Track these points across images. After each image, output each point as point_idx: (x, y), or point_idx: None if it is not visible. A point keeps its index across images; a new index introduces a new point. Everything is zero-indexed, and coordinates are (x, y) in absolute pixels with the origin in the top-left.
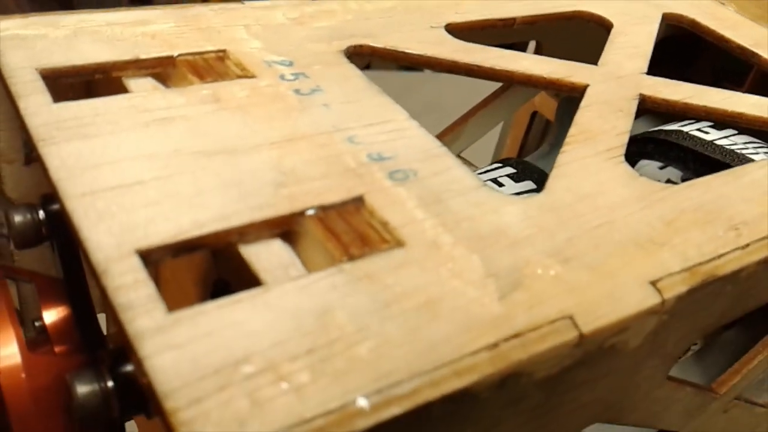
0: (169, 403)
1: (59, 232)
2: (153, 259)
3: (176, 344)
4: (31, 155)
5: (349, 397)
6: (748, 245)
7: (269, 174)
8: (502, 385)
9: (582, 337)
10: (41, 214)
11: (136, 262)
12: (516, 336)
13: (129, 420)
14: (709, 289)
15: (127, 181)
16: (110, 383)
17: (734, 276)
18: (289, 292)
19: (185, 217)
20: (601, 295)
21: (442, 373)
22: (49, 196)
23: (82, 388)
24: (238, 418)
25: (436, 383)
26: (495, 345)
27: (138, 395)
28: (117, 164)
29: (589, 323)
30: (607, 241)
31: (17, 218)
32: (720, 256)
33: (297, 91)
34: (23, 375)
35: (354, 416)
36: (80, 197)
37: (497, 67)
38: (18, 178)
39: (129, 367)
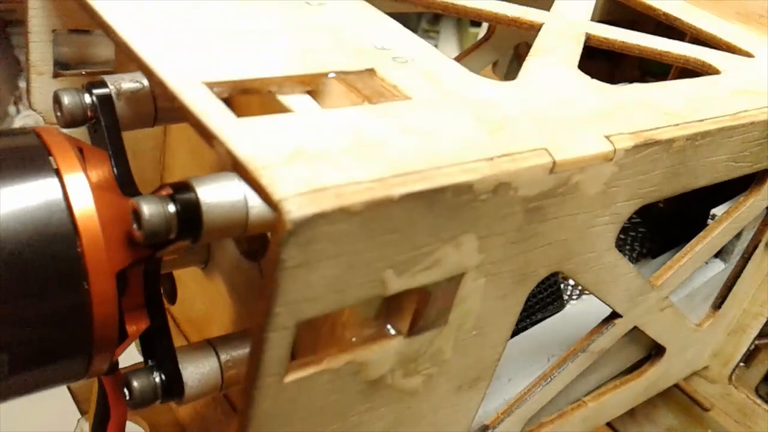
0: (252, 164)
1: (106, 112)
2: (215, 91)
3: (250, 131)
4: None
5: (385, 174)
6: (678, 124)
7: (298, 47)
8: (496, 191)
9: (555, 164)
10: (87, 97)
11: (206, 89)
12: (506, 155)
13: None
14: (648, 152)
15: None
16: (171, 207)
17: (668, 144)
18: (324, 114)
19: (241, 66)
20: (568, 141)
21: (452, 169)
22: (92, 83)
23: (149, 209)
24: (305, 179)
25: (447, 174)
26: (490, 158)
27: (192, 220)
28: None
29: (560, 155)
30: (570, 110)
31: (67, 99)
32: (657, 128)
33: (308, 3)
34: (93, 204)
35: (391, 186)
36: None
37: (468, 6)
38: (46, 90)
39: (186, 195)
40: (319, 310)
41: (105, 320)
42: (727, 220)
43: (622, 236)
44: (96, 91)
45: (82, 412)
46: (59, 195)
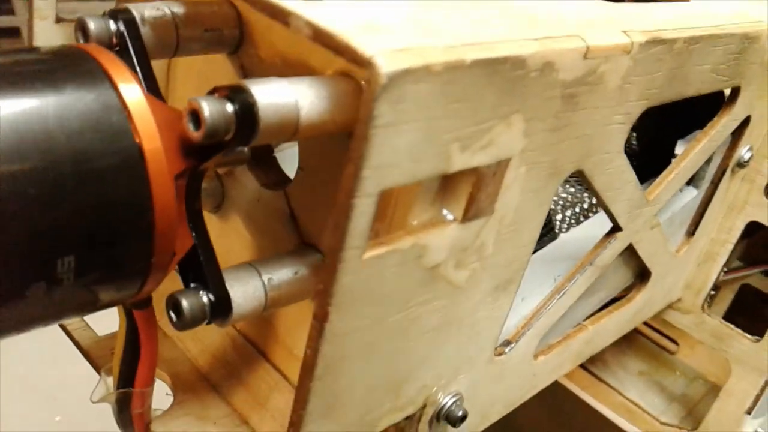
0: (336, 30)
1: (133, 36)
2: None
3: (322, 9)
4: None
5: (455, 43)
6: (677, 28)
7: None
8: (542, 70)
9: (588, 50)
10: (112, 24)
11: None
12: (549, 37)
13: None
14: (655, 51)
15: None
16: (229, 107)
17: (671, 44)
18: (379, 2)
19: None
20: (595, 34)
21: (509, 44)
22: (115, 10)
23: (210, 107)
24: (387, 42)
25: (506, 47)
26: (537, 39)
27: (249, 120)
28: None
29: (592, 41)
30: (589, 15)
31: (93, 25)
32: (662, 30)
33: None
34: (149, 108)
35: (463, 52)
36: None
37: None
38: (49, 35)
39: (243, 95)
40: (399, 179)
41: (165, 226)
42: (705, 139)
43: None
44: (122, 16)
45: (98, 370)
46: (116, 100)
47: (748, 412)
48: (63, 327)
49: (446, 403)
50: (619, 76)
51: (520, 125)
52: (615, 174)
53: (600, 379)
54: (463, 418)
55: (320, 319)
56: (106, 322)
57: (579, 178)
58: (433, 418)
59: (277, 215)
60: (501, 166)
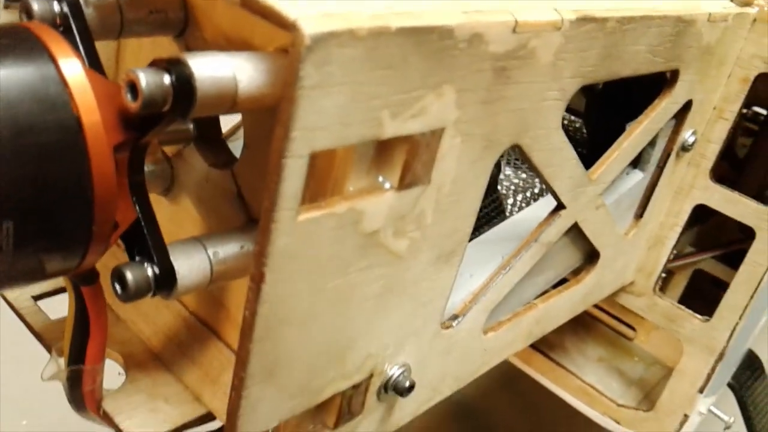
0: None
1: (76, 16)
2: None
3: None
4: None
5: (382, 11)
6: (609, 9)
7: None
8: (471, 42)
9: (517, 24)
10: (56, 5)
11: None
12: (478, 11)
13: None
14: (587, 28)
15: None
16: (166, 78)
17: (602, 23)
18: None
19: None
20: (525, 10)
21: (436, 14)
22: None
23: (147, 78)
24: (313, 7)
25: (433, 16)
26: (466, 12)
27: (187, 91)
28: None
29: (521, 17)
30: None
31: (37, 6)
32: (594, 9)
33: None
34: (88, 80)
35: (389, 19)
36: None
37: None
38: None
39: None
40: (329, 141)
41: (105, 196)
42: (646, 120)
43: None
44: None
45: (49, 351)
46: (54, 72)
47: (701, 391)
48: (15, 310)
49: (393, 373)
50: (551, 52)
51: (452, 96)
52: (554, 151)
53: (559, 365)
54: (411, 388)
55: (257, 280)
56: (60, 307)
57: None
58: (381, 388)
59: (225, 194)
60: (435, 135)
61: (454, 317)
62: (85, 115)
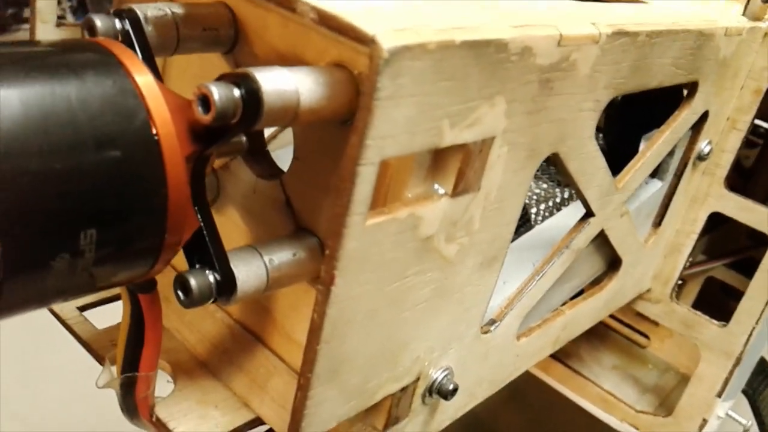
0: (340, 13)
1: (138, 34)
2: None
3: None
4: (61, 19)
5: (445, 27)
6: (639, 23)
7: None
8: (522, 54)
9: (562, 37)
10: (118, 22)
11: None
12: (527, 25)
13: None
14: (621, 42)
15: None
16: (236, 92)
17: (634, 37)
18: None
19: None
20: (566, 25)
21: (492, 28)
22: (119, 9)
23: (219, 91)
24: (386, 22)
25: (490, 31)
26: (516, 26)
27: (254, 104)
28: None
29: (565, 31)
30: (558, 12)
31: (100, 23)
32: (626, 23)
33: None
34: (162, 95)
35: (453, 33)
36: None
37: None
38: (50, 38)
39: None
40: (397, 149)
41: (178, 206)
42: (668, 130)
43: None
44: (127, 15)
45: (100, 360)
46: (131, 85)
47: (719, 396)
48: (63, 321)
49: (438, 377)
50: (589, 64)
51: (502, 106)
52: (587, 159)
53: (577, 373)
54: (454, 391)
55: (327, 283)
56: (104, 317)
57: (551, 175)
58: (426, 391)
59: (272, 204)
60: (486, 144)
61: (492, 322)
62: (161, 127)
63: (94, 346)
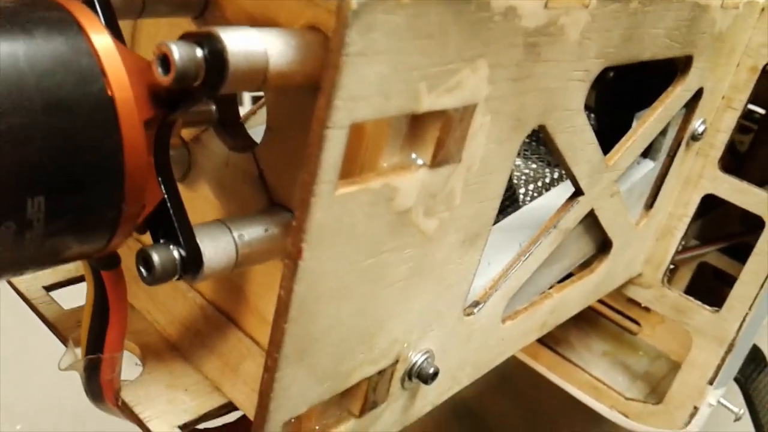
0: None
1: None
2: None
3: None
4: None
5: None
6: None
7: None
8: (506, 15)
9: None
10: None
11: None
12: None
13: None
14: (612, 8)
15: None
16: (199, 52)
17: (627, 3)
18: None
19: None
20: None
21: None
22: None
23: (180, 51)
24: None
25: None
26: None
27: (219, 66)
28: None
29: None
30: None
31: None
32: None
33: None
34: (118, 53)
35: None
36: None
37: None
38: None
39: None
40: (369, 112)
41: (136, 173)
42: (660, 107)
43: None
44: None
45: (64, 342)
46: (85, 44)
47: (710, 383)
48: (27, 301)
49: (417, 360)
50: (578, 30)
51: (485, 71)
52: (576, 133)
53: (566, 359)
54: (435, 374)
55: (294, 257)
56: (71, 298)
57: (540, 155)
58: (405, 375)
59: (245, 178)
60: (467, 112)
61: (476, 304)
62: (117, 88)
63: (60, 327)
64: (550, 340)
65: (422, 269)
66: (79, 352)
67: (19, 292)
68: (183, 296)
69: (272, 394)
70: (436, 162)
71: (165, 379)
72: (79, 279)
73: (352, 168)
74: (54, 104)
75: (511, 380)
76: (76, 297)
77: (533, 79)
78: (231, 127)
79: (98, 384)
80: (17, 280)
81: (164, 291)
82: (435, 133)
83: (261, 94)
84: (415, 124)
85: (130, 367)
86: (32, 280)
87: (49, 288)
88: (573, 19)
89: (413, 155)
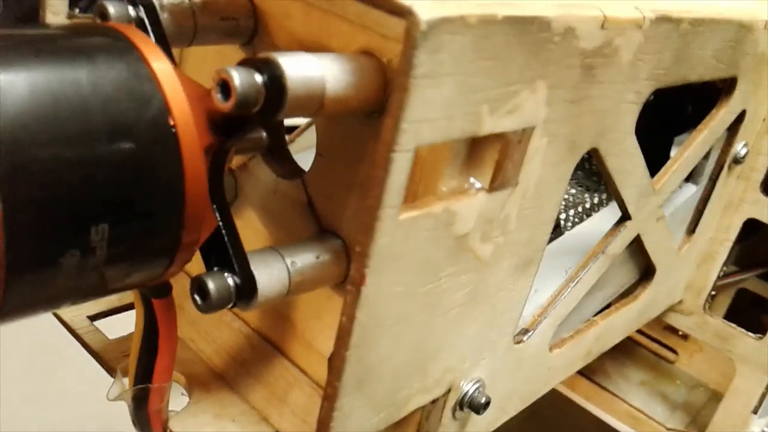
0: None
1: (153, 21)
2: None
3: None
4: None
5: (487, 2)
6: (681, 10)
7: None
8: (565, 35)
9: (606, 19)
10: (131, 9)
11: None
12: (571, 5)
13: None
14: (663, 29)
15: None
16: (258, 78)
17: (677, 24)
18: None
19: None
20: (611, 8)
21: (535, 6)
22: None
23: (240, 77)
24: None
25: (533, 8)
26: (560, 6)
27: (278, 92)
28: None
29: (609, 13)
30: None
31: (113, 9)
32: (669, 9)
33: None
34: (179, 82)
35: (496, 7)
36: None
37: None
38: None
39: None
40: (434, 135)
41: (196, 200)
42: (705, 130)
43: (595, 179)
44: (141, 1)
45: (111, 373)
46: (146, 69)
47: (755, 412)
48: (72, 331)
49: (469, 389)
50: (632, 51)
51: (544, 92)
52: (626, 156)
53: (604, 389)
54: (487, 404)
55: (357, 283)
56: (115, 327)
57: (579, 180)
58: (457, 405)
59: (293, 205)
60: (526, 134)
61: (525, 331)
62: (179, 115)
63: (105, 357)
64: (587, 370)
65: (477, 295)
66: (126, 382)
67: (63, 322)
68: (228, 325)
69: (332, 423)
70: (494, 186)
71: (212, 409)
72: (120, 309)
73: (407, 193)
74: (118, 131)
75: (543, 411)
76: (119, 327)
77: (588, 101)
78: (279, 154)
79: (146, 414)
80: (62, 311)
81: (209, 320)
82: (494, 156)
83: (296, 122)
84: (475, 147)
85: (176, 396)
86: (76, 310)
87: (93, 318)
88: (627, 40)
89: (471, 179)
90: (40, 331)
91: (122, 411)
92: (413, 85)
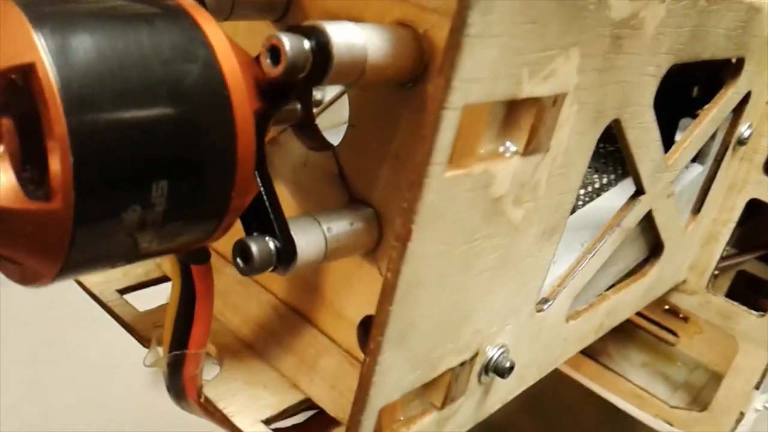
0: None
1: None
2: None
3: None
4: None
5: None
6: None
7: None
8: (599, 2)
9: None
10: None
11: None
12: None
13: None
14: (683, 4)
15: None
16: (306, 44)
17: (696, 0)
18: None
19: None
20: None
21: None
22: None
23: (290, 43)
24: None
25: None
26: None
27: (324, 58)
28: None
29: None
30: None
31: None
32: None
33: None
34: (230, 47)
35: None
36: None
37: None
38: None
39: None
40: (480, 95)
41: (246, 161)
42: (714, 109)
43: (603, 161)
44: None
45: (143, 343)
46: (201, 35)
47: (757, 387)
48: (103, 304)
49: (494, 354)
50: (655, 24)
51: (576, 60)
52: (644, 130)
53: (608, 368)
54: (511, 368)
55: (403, 238)
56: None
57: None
58: (483, 369)
59: (324, 176)
60: (559, 100)
61: (545, 300)
62: (230, 77)
63: (137, 328)
64: (591, 351)
65: (507, 260)
66: (161, 350)
67: (93, 295)
68: (256, 298)
69: (374, 378)
70: (528, 150)
71: (243, 377)
72: (149, 283)
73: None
74: (178, 90)
75: (544, 394)
76: (146, 300)
77: (614, 72)
78: (309, 127)
79: (181, 381)
80: (91, 284)
81: (237, 293)
82: (529, 120)
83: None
84: (512, 111)
85: (206, 365)
86: (105, 284)
87: (122, 291)
88: (652, 12)
89: (508, 143)
90: (40, 321)
91: (122, 403)
92: (466, 44)
